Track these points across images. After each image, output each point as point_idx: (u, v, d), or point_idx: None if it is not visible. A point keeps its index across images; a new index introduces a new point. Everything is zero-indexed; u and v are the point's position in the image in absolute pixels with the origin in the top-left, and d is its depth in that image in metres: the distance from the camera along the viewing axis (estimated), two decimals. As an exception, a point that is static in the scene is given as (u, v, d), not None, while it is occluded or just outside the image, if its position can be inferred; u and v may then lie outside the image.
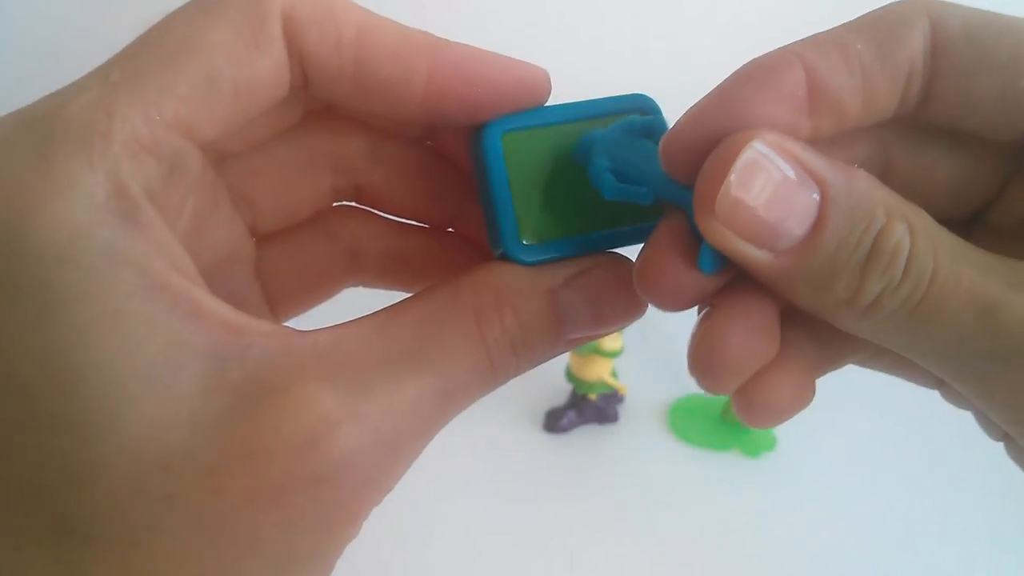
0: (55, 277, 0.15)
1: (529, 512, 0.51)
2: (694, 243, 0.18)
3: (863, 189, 0.16)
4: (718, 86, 0.17)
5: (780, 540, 0.50)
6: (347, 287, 0.25)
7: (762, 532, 0.51)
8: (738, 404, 0.19)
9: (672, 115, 0.19)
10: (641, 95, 0.22)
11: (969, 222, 0.20)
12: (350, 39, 0.19)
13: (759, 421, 0.19)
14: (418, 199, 0.24)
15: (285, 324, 0.19)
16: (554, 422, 0.56)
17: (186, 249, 0.18)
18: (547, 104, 0.21)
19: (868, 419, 0.55)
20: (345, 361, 0.17)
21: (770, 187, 0.16)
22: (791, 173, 0.16)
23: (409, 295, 0.20)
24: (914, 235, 0.16)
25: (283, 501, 0.16)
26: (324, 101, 0.21)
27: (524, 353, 0.20)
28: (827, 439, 0.53)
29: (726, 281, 0.19)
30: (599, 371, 0.56)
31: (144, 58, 0.17)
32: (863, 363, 0.21)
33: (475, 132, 0.21)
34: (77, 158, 0.16)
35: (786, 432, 0.54)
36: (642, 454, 0.56)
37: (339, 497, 0.17)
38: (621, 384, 0.57)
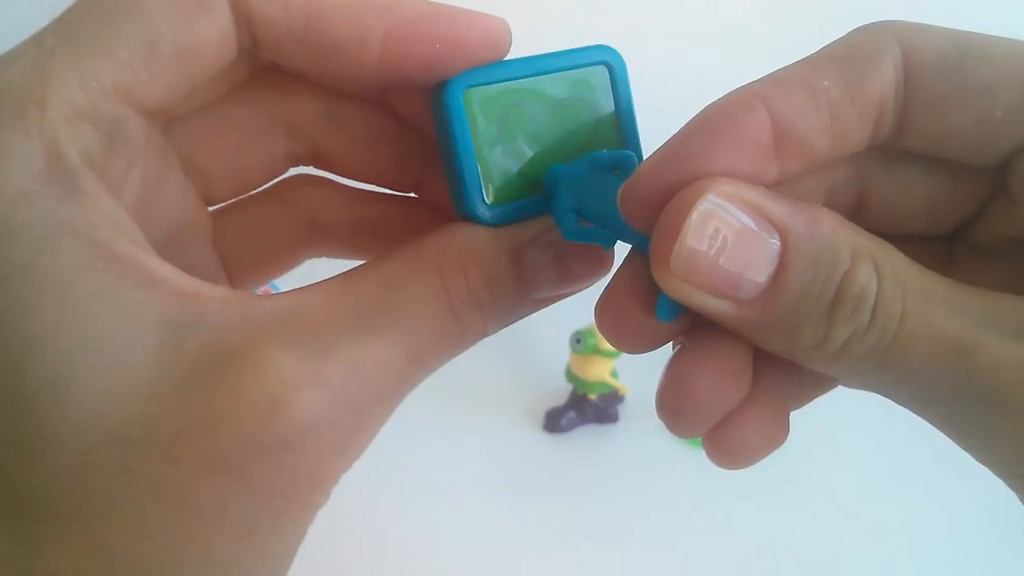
0: None
1: (529, 512, 0.51)
2: (654, 288, 0.17)
3: (827, 232, 0.16)
4: (676, 135, 0.17)
5: (780, 540, 0.50)
6: (309, 258, 0.25)
7: (762, 532, 0.50)
8: (708, 448, 0.19)
9: (638, 66, 0.19)
10: (604, 47, 0.21)
11: (950, 238, 0.19)
12: (299, 2, 0.18)
13: (731, 464, 0.19)
14: (379, 164, 0.23)
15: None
16: (554, 422, 0.56)
17: (135, 219, 0.17)
18: (509, 58, 0.20)
19: (868, 418, 0.55)
20: (306, 324, 0.17)
21: (728, 237, 0.16)
22: (749, 222, 0.16)
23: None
24: (881, 277, 0.16)
25: (245, 468, 0.16)
26: (275, 63, 0.20)
27: (492, 313, 0.19)
28: (827, 439, 0.53)
29: (688, 325, 0.18)
30: (599, 371, 0.56)
31: (81, 22, 0.17)
32: (846, 385, 0.21)
33: (436, 89, 0.20)
34: (13, 127, 0.15)
35: (786, 432, 0.54)
36: (642, 454, 0.56)
37: (304, 463, 0.16)
38: (621, 384, 0.57)
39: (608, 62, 0.21)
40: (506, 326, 0.20)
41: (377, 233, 0.24)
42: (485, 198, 0.20)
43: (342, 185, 0.24)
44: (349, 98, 0.22)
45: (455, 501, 0.51)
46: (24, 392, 0.15)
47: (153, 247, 0.17)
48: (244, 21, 0.18)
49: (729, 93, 0.17)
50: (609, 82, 0.21)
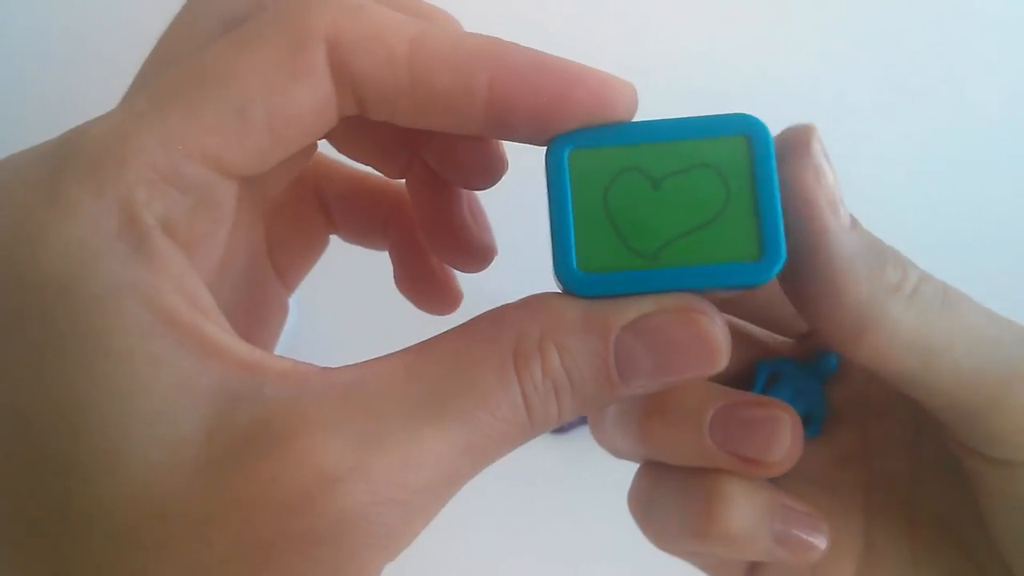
0: (58, 308, 0.15)
1: (529, 512, 0.51)
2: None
3: None
4: None
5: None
6: (331, 233, 0.25)
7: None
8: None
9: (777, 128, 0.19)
10: (746, 116, 0.18)
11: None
12: (402, 55, 0.17)
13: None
14: (370, 152, 0.23)
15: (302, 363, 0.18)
16: (554, 422, 0.56)
17: (216, 279, 0.17)
18: (632, 120, 0.19)
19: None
20: (362, 407, 0.16)
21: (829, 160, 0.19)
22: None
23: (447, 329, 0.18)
24: None
25: (274, 559, 0.15)
26: (383, 122, 0.19)
27: (569, 402, 0.17)
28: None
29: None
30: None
31: (171, 86, 0.16)
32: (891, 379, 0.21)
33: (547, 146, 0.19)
34: (85, 184, 0.15)
35: (787, 432, 0.54)
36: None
37: (338, 557, 0.15)
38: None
39: (748, 133, 0.18)
40: (583, 415, 0.19)
41: (371, 213, 0.24)
42: (576, 264, 0.18)
43: (341, 167, 0.24)
44: None
45: (455, 500, 0.51)
46: (80, 460, 0.14)
47: (232, 307, 0.17)
48: (348, 85, 0.17)
49: None
50: (748, 156, 0.18)
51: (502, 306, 0.18)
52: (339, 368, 0.17)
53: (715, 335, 0.18)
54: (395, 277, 0.26)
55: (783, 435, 0.21)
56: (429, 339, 0.18)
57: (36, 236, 0.15)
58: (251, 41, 0.17)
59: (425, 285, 0.25)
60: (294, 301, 0.64)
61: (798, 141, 0.18)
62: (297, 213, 0.24)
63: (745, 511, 0.21)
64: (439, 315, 0.25)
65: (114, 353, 0.15)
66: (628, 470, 0.58)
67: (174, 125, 0.16)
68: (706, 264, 0.18)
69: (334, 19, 0.17)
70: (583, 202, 0.18)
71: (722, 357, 0.18)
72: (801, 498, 0.22)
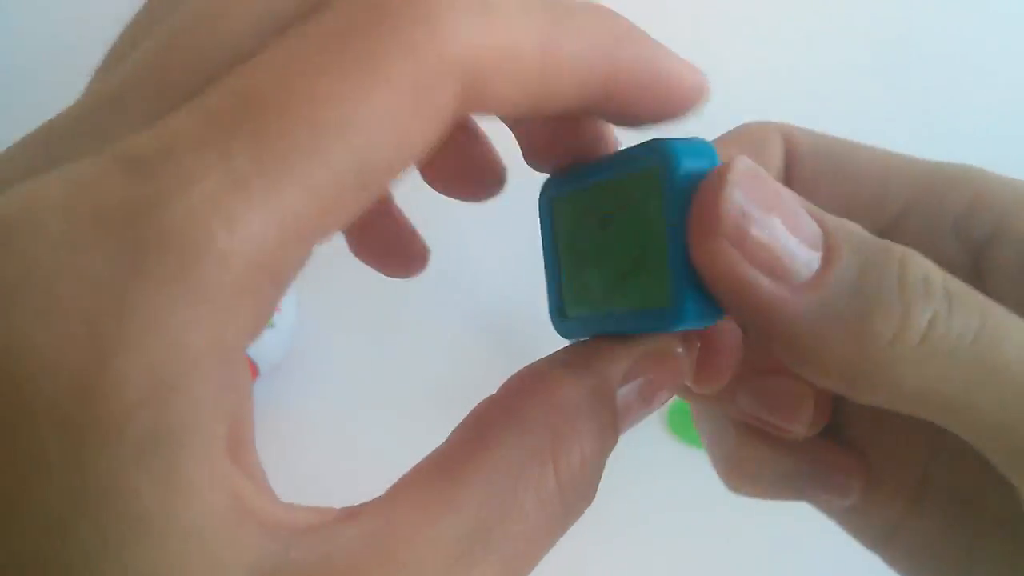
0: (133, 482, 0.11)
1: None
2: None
3: (862, 230, 0.15)
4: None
5: (780, 540, 0.50)
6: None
7: (762, 532, 0.50)
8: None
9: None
10: (659, 141, 0.16)
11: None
12: (535, 71, 0.14)
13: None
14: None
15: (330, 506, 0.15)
16: (554, 422, 0.56)
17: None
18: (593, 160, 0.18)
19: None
20: (396, 560, 0.14)
21: (773, 204, 0.14)
22: (786, 193, 0.15)
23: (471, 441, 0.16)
24: (943, 274, 0.15)
25: None
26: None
27: (595, 475, 0.16)
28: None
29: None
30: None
31: (282, 135, 0.11)
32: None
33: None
34: (177, 301, 0.11)
35: (786, 432, 0.54)
36: (642, 454, 0.56)
37: None
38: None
39: (657, 166, 0.16)
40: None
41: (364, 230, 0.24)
42: (565, 310, 0.19)
43: None
44: None
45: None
46: None
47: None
48: (470, 108, 0.14)
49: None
50: (658, 192, 0.16)
51: (510, 393, 0.16)
52: (365, 509, 0.14)
53: (688, 367, 0.18)
54: (352, 245, 0.23)
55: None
56: (456, 457, 0.15)
57: (105, 365, 0.11)
58: (371, 69, 0.12)
59: (389, 246, 0.23)
60: (294, 301, 0.63)
61: (702, 203, 0.15)
62: None
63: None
64: (407, 277, 0.24)
65: (185, 535, 0.12)
66: (624, 471, 0.58)
67: (291, 206, 0.11)
68: (635, 309, 0.17)
69: (467, 47, 0.13)
70: (566, 249, 0.19)
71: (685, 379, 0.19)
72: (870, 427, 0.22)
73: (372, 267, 0.24)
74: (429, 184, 0.22)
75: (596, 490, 0.17)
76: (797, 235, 0.14)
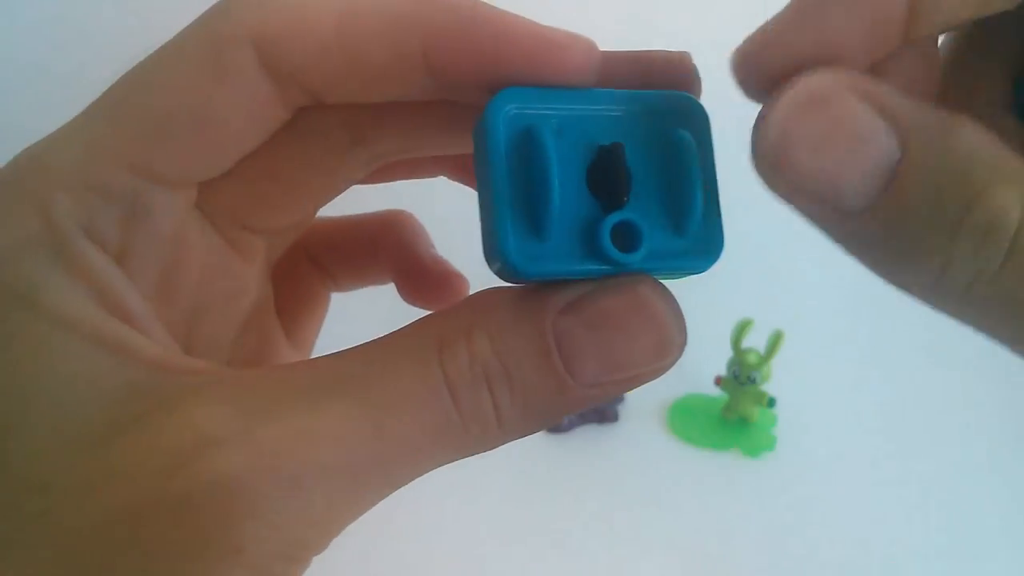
0: None
1: (528, 512, 0.51)
2: None
3: (964, 148, 0.13)
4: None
5: (780, 540, 0.50)
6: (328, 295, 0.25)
7: (762, 532, 0.50)
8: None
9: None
10: (684, 96, 0.17)
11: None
12: (332, 37, 0.16)
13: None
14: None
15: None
16: (554, 422, 0.56)
17: (164, 289, 0.18)
18: (576, 87, 0.16)
19: (868, 419, 0.55)
20: (259, 385, 0.16)
21: (833, 130, 0.13)
22: (865, 115, 0.13)
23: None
24: None
25: (143, 523, 0.15)
26: (337, 104, 0.18)
27: (507, 396, 0.16)
28: (827, 439, 0.53)
29: None
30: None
31: (101, 100, 0.17)
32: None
33: (479, 112, 0.16)
34: (6, 189, 0.16)
35: (786, 432, 0.54)
36: (642, 454, 0.56)
37: (208, 523, 0.14)
38: (621, 384, 0.57)
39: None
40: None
41: (361, 249, 0.25)
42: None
43: (327, 220, 0.25)
44: None
45: (455, 500, 0.51)
46: None
47: (187, 315, 0.18)
48: (288, 78, 0.17)
49: None
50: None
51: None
52: (253, 369, 0.17)
53: (661, 311, 0.16)
54: (401, 293, 0.26)
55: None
56: (368, 342, 0.17)
57: None
58: (171, 49, 0.17)
59: (429, 287, 0.25)
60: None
61: (754, 128, 0.15)
62: (294, 275, 0.24)
63: None
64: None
65: (21, 345, 0.16)
66: (624, 471, 0.57)
67: (98, 135, 0.17)
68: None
69: (255, 17, 0.17)
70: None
71: (673, 342, 0.16)
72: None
73: (421, 308, 0.25)
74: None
75: (516, 415, 0.16)
76: (857, 160, 0.13)
